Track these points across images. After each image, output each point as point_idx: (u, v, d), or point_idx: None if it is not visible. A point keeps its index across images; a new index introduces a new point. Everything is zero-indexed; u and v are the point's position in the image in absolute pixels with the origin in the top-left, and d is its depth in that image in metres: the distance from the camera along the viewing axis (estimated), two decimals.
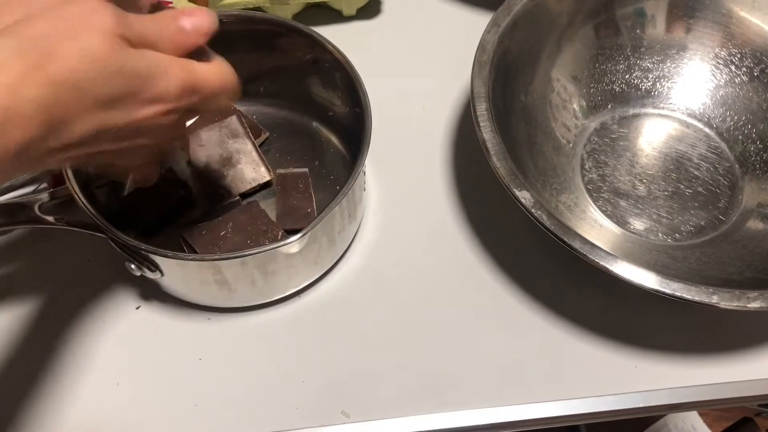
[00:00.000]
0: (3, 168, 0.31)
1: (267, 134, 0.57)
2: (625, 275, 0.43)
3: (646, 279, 0.43)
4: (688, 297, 0.42)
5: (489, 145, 0.48)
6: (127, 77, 0.32)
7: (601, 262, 0.43)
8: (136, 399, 0.48)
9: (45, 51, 0.30)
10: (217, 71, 0.37)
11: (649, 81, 0.61)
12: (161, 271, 0.46)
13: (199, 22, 0.36)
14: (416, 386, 0.49)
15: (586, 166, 0.58)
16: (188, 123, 0.47)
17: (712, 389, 0.49)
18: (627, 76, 0.61)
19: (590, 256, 0.44)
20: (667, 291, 0.42)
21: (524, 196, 0.46)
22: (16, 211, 0.46)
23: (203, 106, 0.38)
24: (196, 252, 0.49)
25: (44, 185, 0.53)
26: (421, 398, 0.48)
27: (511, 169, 0.47)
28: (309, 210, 0.52)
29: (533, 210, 0.45)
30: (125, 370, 0.49)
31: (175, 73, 0.35)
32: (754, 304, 0.42)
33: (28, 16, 0.31)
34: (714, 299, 0.42)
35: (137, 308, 0.51)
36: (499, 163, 0.47)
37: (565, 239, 0.44)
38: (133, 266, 0.46)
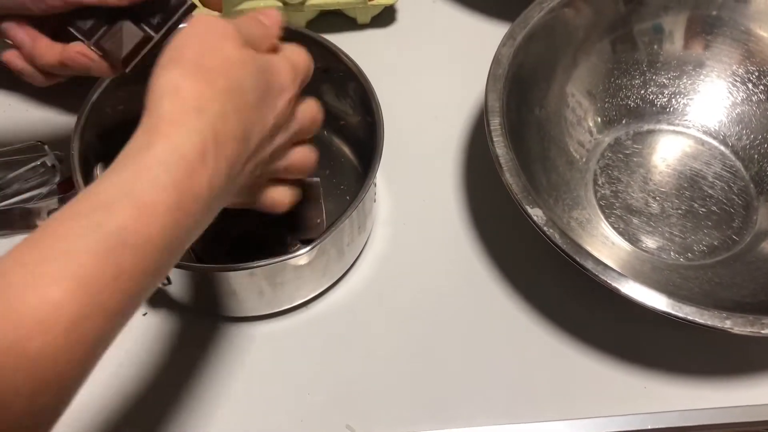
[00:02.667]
0: (219, 191, 0.32)
1: None
2: (637, 297, 0.43)
3: (658, 302, 0.42)
4: (701, 321, 0.42)
5: (502, 160, 0.47)
6: (263, 74, 0.36)
7: (613, 283, 0.43)
8: (142, 406, 0.47)
9: (203, 67, 0.33)
10: (297, 50, 0.39)
11: (664, 97, 0.60)
12: (169, 280, 0.46)
13: (273, 18, 0.39)
14: (423, 401, 0.48)
15: (599, 182, 0.57)
16: None
17: (722, 413, 0.49)
18: (642, 92, 0.60)
19: (602, 277, 0.43)
20: (680, 314, 0.42)
21: (537, 214, 0.45)
22: (25, 217, 0.46)
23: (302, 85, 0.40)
24: (203, 260, 0.49)
25: (53, 189, 0.53)
26: (427, 414, 0.48)
27: (524, 185, 0.46)
28: (318, 221, 0.51)
29: (545, 228, 0.45)
30: (131, 376, 0.48)
31: (282, 64, 0.38)
32: None
33: (181, 44, 0.34)
34: (727, 324, 0.42)
35: (144, 315, 0.51)
36: (511, 179, 0.46)
37: (577, 258, 0.44)
38: None
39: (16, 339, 0.25)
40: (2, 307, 0.25)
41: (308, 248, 0.44)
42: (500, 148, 0.48)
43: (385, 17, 0.67)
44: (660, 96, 0.60)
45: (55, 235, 0.27)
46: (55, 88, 0.58)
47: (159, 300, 0.51)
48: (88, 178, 0.46)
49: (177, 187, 0.30)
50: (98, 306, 0.27)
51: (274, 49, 0.39)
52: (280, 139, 0.38)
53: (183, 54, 0.33)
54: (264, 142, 0.36)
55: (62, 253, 0.26)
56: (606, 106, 0.59)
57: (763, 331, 0.42)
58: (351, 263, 0.53)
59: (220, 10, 0.63)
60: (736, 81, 0.59)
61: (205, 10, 0.63)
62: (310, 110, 0.40)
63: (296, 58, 0.39)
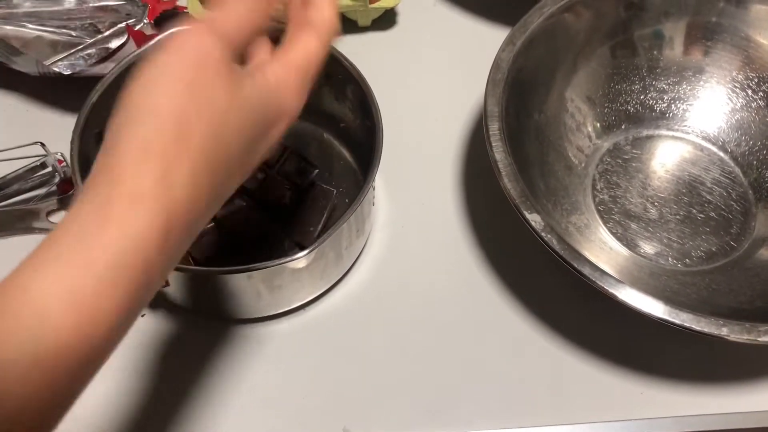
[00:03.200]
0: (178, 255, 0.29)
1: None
2: (634, 304, 0.43)
3: (655, 308, 0.42)
4: (697, 328, 0.42)
5: (500, 165, 0.47)
6: (263, 108, 0.31)
7: (610, 290, 0.43)
8: (139, 407, 0.47)
9: (177, 121, 0.28)
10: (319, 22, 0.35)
11: (664, 102, 0.60)
12: (167, 282, 0.46)
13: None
14: (419, 405, 0.48)
15: (598, 187, 0.57)
16: None
17: (720, 419, 0.49)
18: (642, 97, 0.60)
19: (599, 283, 0.43)
20: (676, 321, 0.42)
21: (535, 219, 0.45)
22: (24, 217, 0.46)
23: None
24: (200, 262, 0.49)
25: (53, 190, 0.53)
26: (424, 417, 0.48)
27: (522, 190, 0.46)
28: (312, 229, 0.51)
29: (543, 233, 0.45)
30: (128, 377, 0.49)
31: (288, 85, 0.33)
32: (765, 338, 0.41)
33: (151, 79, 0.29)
34: (723, 331, 0.42)
35: (142, 316, 0.51)
36: (510, 184, 0.46)
37: (575, 264, 0.44)
38: None
39: None
40: None
41: (306, 251, 0.44)
42: (499, 153, 0.48)
43: (386, 20, 0.67)
44: (659, 101, 0.60)
45: None
46: (55, 88, 0.58)
47: (157, 302, 0.51)
48: (87, 176, 0.46)
49: (129, 284, 0.26)
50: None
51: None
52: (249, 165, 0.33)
53: (158, 101, 0.28)
54: (246, 174, 0.33)
55: None
56: (605, 111, 0.59)
57: (759, 339, 0.42)
58: (349, 266, 0.53)
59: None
60: (736, 87, 0.59)
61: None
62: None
63: (302, 54, 0.33)
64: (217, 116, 0.29)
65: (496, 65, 0.52)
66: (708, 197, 0.57)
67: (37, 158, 0.53)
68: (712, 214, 0.56)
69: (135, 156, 0.27)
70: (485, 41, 0.59)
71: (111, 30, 0.58)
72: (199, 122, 0.28)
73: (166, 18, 0.59)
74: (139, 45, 0.56)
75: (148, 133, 0.27)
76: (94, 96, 0.49)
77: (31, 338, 0.24)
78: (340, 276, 0.52)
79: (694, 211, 0.56)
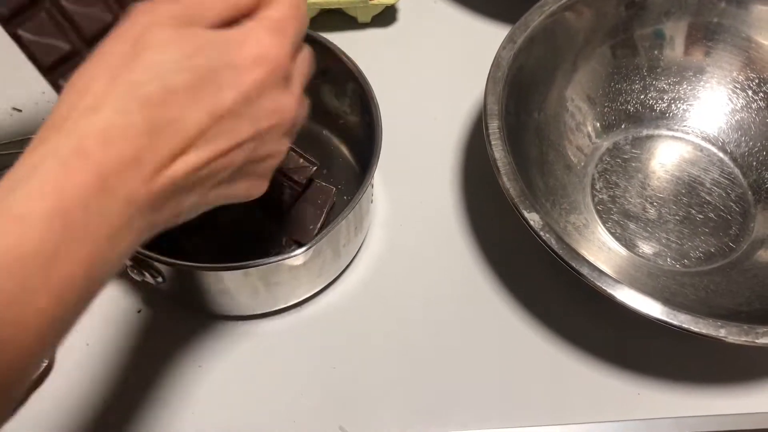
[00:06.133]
0: (139, 206, 0.27)
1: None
2: (632, 304, 0.42)
3: (653, 309, 0.42)
4: (695, 330, 0.42)
5: (500, 164, 0.47)
6: (206, 48, 0.29)
7: (608, 290, 0.43)
8: (134, 404, 0.47)
9: (114, 62, 0.28)
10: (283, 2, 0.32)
11: (664, 102, 0.60)
12: (164, 278, 0.46)
13: None
14: (416, 405, 0.48)
15: (597, 187, 0.57)
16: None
17: (717, 420, 0.48)
18: (642, 97, 0.60)
19: (597, 283, 0.43)
20: (674, 322, 0.42)
21: (533, 218, 0.45)
22: None
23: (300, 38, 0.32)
24: (196, 258, 0.49)
25: None
26: (420, 417, 0.48)
27: (521, 189, 0.46)
28: (311, 227, 0.51)
29: (542, 233, 0.45)
30: (122, 373, 0.48)
31: (258, 26, 0.30)
32: (763, 340, 0.41)
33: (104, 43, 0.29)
34: (721, 333, 0.42)
35: (138, 312, 0.51)
36: (509, 183, 0.46)
37: (573, 264, 0.44)
38: (135, 271, 0.46)
39: None
40: None
41: (304, 248, 0.44)
42: (498, 151, 0.48)
43: (386, 17, 0.67)
44: (660, 101, 0.60)
45: None
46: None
47: (153, 298, 0.51)
48: None
49: (56, 196, 0.25)
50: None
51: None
52: (273, 121, 0.31)
53: (99, 53, 0.28)
54: (223, 125, 0.29)
55: None
56: (605, 110, 0.59)
57: (757, 341, 0.41)
58: (347, 264, 0.52)
59: None
60: (736, 88, 0.59)
61: None
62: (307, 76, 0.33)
63: (283, 10, 0.31)
64: (149, 50, 0.28)
65: (496, 63, 0.52)
66: (707, 198, 0.57)
67: None
68: (711, 214, 0.56)
69: (66, 98, 0.27)
70: (486, 39, 0.59)
71: None
72: (129, 57, 0.28)
73: None
74: None
75: (86, 73, 0.28)
76: None
77: None
78: (338, 273, 0.52)
79: (693, 211, 0.56)
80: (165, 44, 0.28)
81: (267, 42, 0.30)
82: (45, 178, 0.26)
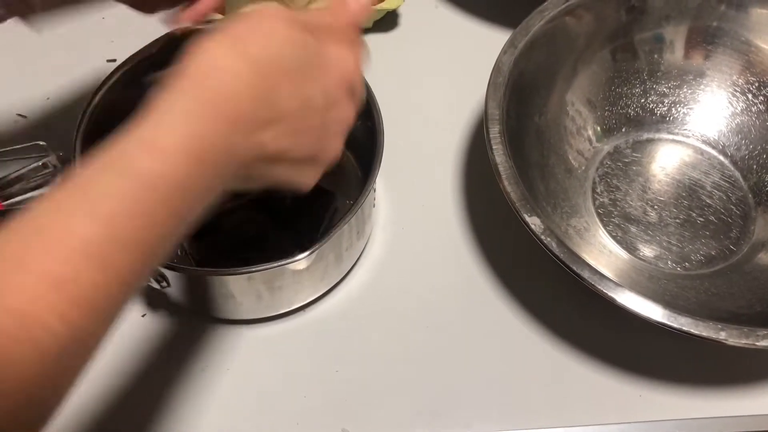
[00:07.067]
0: (227, 149, 0.31)
1: None
2: (632, 307, 0.43)
3: (654, 312, 0.43)
4: (696, 332, 0.42)
5: (501, 168, 0.47)
6: (312, 47, 0.34)
7: (609, 293, 0.43)
8: (139, 407, 0.48)
9: (239, 37, 0.32)
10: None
11: (664, 106, 0.60)
12: (168, 282, 0.46)
13: (354, 6, 0.38)
14: (419, 406, 0.48)
15: (598, 190, 0.57)
16: None
17: (718, 422, 0.49)
18: (642, 101, 0.60)
19: (598, 287, 0.43)
20: (675, 325, 0.42)
21: (534, 222, 0.45)
22: None
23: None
24: (201, 263, 0.49)
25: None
26: (423, 419, 0.48)
27: (522, 193, 0.47)
28: (312, 230, 0.51)
29: (543, 237, 0.45)
30: (128, 377, 0.49)
31: (347, 54, 0.36)
32: (763, 343, 0.42)
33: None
34: (722, 336, 0.42)
35: (143, 316, 0.51)
36: (510, 187, 0.47)
37: (574, 267, 0.44)
38: None
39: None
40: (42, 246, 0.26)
41: (307, 253, 0.44)
42: (499, 155, 0.48)
43: (388, 22, 0.68)
44: (660, 105, 0.60)
45: (85, 182, 0.28)
46: (57, 86, 0.58)
47: (158, 302, 0.51)
48: None
49: (193, 135, 0.29)
50: (125, 241, 0.27)
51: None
52: (315, 118, 0.36)
53: (228, 28, 0.33)
54: (292, 114, 0.34)
55: (95, 197, 0.27)
56: (606, 114, 0.60)
57: (757, 343, 0.42)
58: (349, 268, 0.53)
59: (222, 12, 0.63)
60: (736, 91, 0.59)
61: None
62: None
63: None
64: (271, 37, 0.33)
65: (497, 68, 0.52)
66: (708, 201, 0.57)
67: (38, 158, 0.53)
68: (712, 217, 0.56)
69: (196, 59, 0.31)
70: (487, 44, 0.59)
71: None
72: (253, 36, 0.32)
73: None
74: None
75: (210, 44, 0.31)
76: (96, 97, 0.49)
77: (120, 168, 0.28)
78: (341, 277, 0.52)
79: (694, 214, 0.56)
80: (283, 36, 0.33)
81: (351, 59, 0.37)
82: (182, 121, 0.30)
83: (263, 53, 0.33)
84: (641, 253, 0.54)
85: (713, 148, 0.60)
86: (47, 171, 0.53)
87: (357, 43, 0.38)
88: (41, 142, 0.53)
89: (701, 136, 0.60)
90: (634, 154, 0.59)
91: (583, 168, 0.58)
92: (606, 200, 0.57)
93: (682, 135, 0.60)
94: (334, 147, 0.38)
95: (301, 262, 0.45)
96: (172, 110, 0.30)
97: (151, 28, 0.48)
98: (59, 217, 0.27)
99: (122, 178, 0.28)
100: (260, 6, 0.35)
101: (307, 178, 0.38)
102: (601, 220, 0.56)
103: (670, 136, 0.60)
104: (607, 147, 0.59)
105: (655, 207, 0.57)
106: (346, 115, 0.38)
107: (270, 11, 0.34)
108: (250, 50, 0.32)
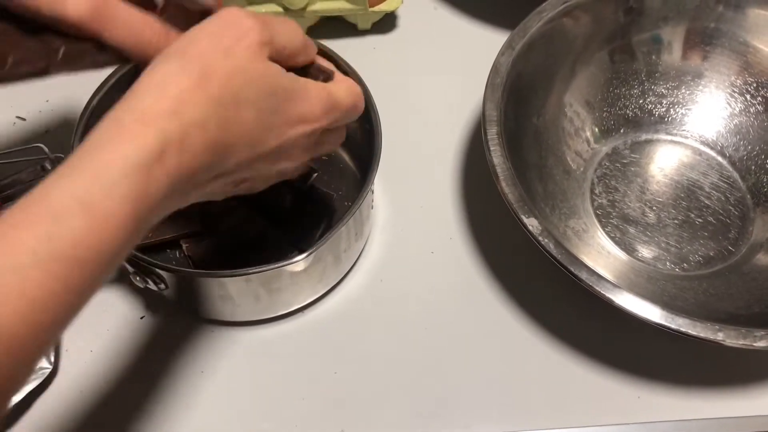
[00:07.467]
0: (156, 199, 0.30)
1: None
2: (630, 308, 0.43)
3: (651, 313, 0.43)
4: (693, 333, 0.42)
5: (498, 170, 0.47)
6: (276, 96, 0.33)
7: (607, 294, 0.43)
8: (137, 409, 0.48)
9: (203, 70, 0.31)
10: (349, 87, 0.38)
11: (663, 107, 0.60)
12: (166, 284, 0.46)
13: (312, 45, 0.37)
14: (417, 408, 0.48)
15: (596, 191, 0.57)
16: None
17: (716, 424, 0.49)
18: (641, 101, 0.60)
19: (596, 288, 0.43)
20: (672, 326, 0.42)
21: (532, 224, 0.45)
22: None
23: (339, 124, 0.39)
24: (199, 265, 0.49)
25: None
26: (421, 420, 0.48)
27: (520, 194, 0.47)
28: (310, 232, 0.51)
29: (540, 238, 0.45)
30: (126, 379, 0.49)
31: (317, 93, 0.36)
32: (761, 343, 0.42)
33: (193, 36, 0.32)
34: (719, 336, 0.42)
35: (141, 318, 0.51)
36: (508, 188, 0.47)
37: (572, 269, 0.44)
38: (138, 278, 0.46)
39: None
40: None
41: (305, 255, 0.44)
42: (497, 157, 0.48)
43: (386, 23, 0.68)
44: (658, 106, 0.60)
45: (4, 244, 0.26)
46: (55, 88, 0.58)
47: (155, 304, 0.51)
48: None
49: (135, 194, 0.28)
50: (40, 325, 0.26)
51: (325, 76, 0.37)
52: (282, 165, 0.37)
53: (188, 49, 0.31)
54: (254, 162, 0.34)
55: (8, 269, 0.25)
56: (604, 115, 0.60)
57: (755, 344, 0.42)
58: (347, 270, 0.53)
59: None
60: (734, 92, 0.59)
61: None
62: (331, 145, 0.39)
63: (342, 95, 0.37)
64: (238, 75, 0.31)
65: (495, 69, 0.52)
66: (706, 202, 0.57)
67: (37, 161, 0.53)
68: (710, 218, 0.56)
69: (156, 84, 0.30)
70: (485, 45, 0.59)
71: None
72: (220, 72, 0.31)
73: None
74: None
75: (170, 68, 0.30)
76: (95, 100, 0.49)
77: (48, 235, 0.26)
78: (339, 279, 0.52)
79: (692, 215, 0.56)
80: (252, 76, 0.32)
81: (318, 111, 0.36)
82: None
83: (226, 95, 0.31)
84: (640, 254, 0.54)
85: (711, 148, 0.60)
86: (46, 173, 0.53)
87: (338, 107, 0.38)
88: (40, 145, 0.53)
89: (699, 136, 0.60)
90: (633, 155, 0.59)
91: (582, 169, 0.58)
92: (604, 201, 0.57)
93: (681, 136, 0.60)
94: (264, 181, 0.39)
95: (299, 263, 0.45)
96: (118, 161, 0.28)
97: None
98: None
99: (47, 247, 0.26)
100: (225, 13, 0.33)
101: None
102: (600, 222, 0.56)
103: (669, 137, 0.60)
104: (605, 148, 0.59)
105: (654, 208, 0.57)
106: (292, 161, 0.38)
107: (235, 26, 0.32)
108: (211, 91, 0.31)
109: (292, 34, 0.35)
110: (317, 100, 0.36)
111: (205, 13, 0.36)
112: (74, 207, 0.27)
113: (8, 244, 0.26)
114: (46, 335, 0.27)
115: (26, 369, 0.27)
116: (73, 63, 0.35)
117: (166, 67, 0.31)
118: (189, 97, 0.30)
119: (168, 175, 0.29)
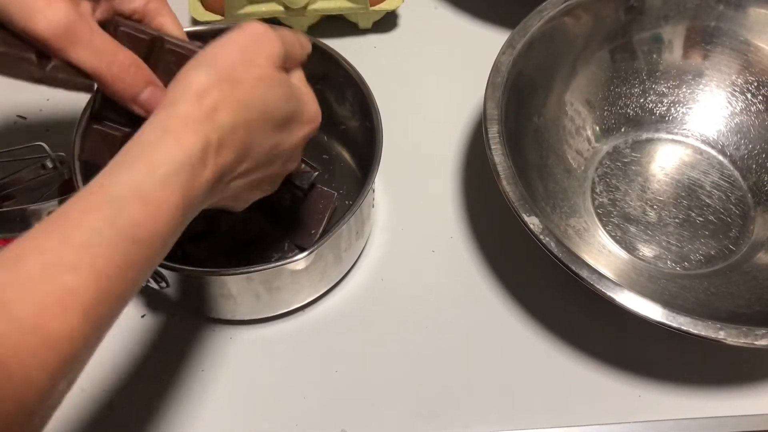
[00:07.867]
0: (207, 196, 0.34)
1: None
2: (631, 307, 0.43)
3: (652, 311, 0.43)
4: (695, 332, 0.42)
5: (499, 168, 0.47)
6: (293, 100, 0.38)
7: (608, 293, 0.43)
8: (138, 408, 0.48)
9: (234, 78, 0.34)
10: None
11: (663, 106, 0.60)
12: (167, 283, 0.46)
13: (307, 47, 0.41)
14: (418, 407, 0.48)
15: (597, 190, 0.57)
16: None
17: (717, 422, 0.49)
18: (642, 100, 0.60)
19: (597, 286, 0.43)
20: (674, 325, 0.42)
21: (533, 222, 0.45)
22: (25, 218, 0.47)
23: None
24: (200, 263, 0.49)
25: (54, 191, 0.53)
26: (422, 419, 0.48)
27: (521, 193, 0.47)
28: (313, 231, 0.51)
29: (542, 236, 0.45)
30: (127, 377, 0.49)
31: (311, 96, 0.40)
32: (762, 342, 0.42)
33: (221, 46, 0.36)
34: (721, 335, 0.42)
35: (142, 317, 0.51)
36: (509, 187, 0.47)
37: (573, 267, 0.44)
38: None
39: (39, 321, 0.27)
40: (23, 292, 0.27)
41: (306, 253, 0.44)
42: (498, 156, 0.48)
43: (387, 22, 0.68)
44: (659, 105, 0.60)
45: (71, 225, 0.29)
46: (55, 89, 0.58)
47: (157, 302, 0.51)
48: (89, 180, 0.46)
49: (182, 188, 0.32)
50: (109, 293, 0.29)
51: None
52: (291, 165, 0.41)
53: (218, 59, 0.35)
54: (262, 165, 0.37)
55: (79, 245, 0.28)
56: (605, 114, 0.60)
57: (756, 342, 0.42)
58: (348, 268, 0.53)
59: (222, 14, 0.63)
60: (735, 91, 0.59)
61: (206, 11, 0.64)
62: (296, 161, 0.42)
63: (303, 85, 0.40)
64: (262, 83, 0.35)
65: (495, 68, 0.52)
66: (707, 201, 0.57)
67: (37, 160, 0.53)
68: (711, 217, 0.56)
69: (193, 91, 0.33)
70: (485, 44, 0.59)
71: None
72: (247, 81, 0.35)
73: None
74: None
75: (205, 78, 0.34)
76: (95, 99, 0.49)
77: (112, 218, 0.29)
78: (340, 278, 0.52)
79: (693, 214, 0.56)
80: (272, 83, 0.36)
81: (316, 109, 0.40)
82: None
83: (253, 101, 0.35)
84: (640, 253, 0.54)
85: (712, 147, 0.60)
86: (46, 172, 0.53)
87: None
88: (41, 143, 0.53)
89: (700, 135, 0.60)
90: (633, 154, 0.59)
91: (582, 168, 0.58)
92: (605, 200, 0.57)
93: (681, 135, 0.60)
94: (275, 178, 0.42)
95: (300, 262, 0.45)
96: (168, 159, 0.31)
97: None
98: (43, 258, 0.28)
99: (111, 228, 0.29)
100: (246, 27, 0.36)
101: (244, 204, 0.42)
102: (601, 220, 0.56)
103: (670, 136, 0.60)
104: (606, 147, 0.59)
105: (655, 207, 0.57)
106: (295, 156, 0.41)
107: (258, 39, 0.36)
108: (241, 96, 0.34)
109: (296, 45, 0.39)
110: (313, 105, 0.40)
111: (153, 41, 0.38)
112: (131, 196, 0.30)
113: (77, 226, 0.29)
114: (112, 306, 0.30)
115: (98, 334, 0.30)
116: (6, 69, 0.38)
117: (200, 76, 0.34)
118: (222, 105, 0.34)
119: (209, 173, 0.33)
